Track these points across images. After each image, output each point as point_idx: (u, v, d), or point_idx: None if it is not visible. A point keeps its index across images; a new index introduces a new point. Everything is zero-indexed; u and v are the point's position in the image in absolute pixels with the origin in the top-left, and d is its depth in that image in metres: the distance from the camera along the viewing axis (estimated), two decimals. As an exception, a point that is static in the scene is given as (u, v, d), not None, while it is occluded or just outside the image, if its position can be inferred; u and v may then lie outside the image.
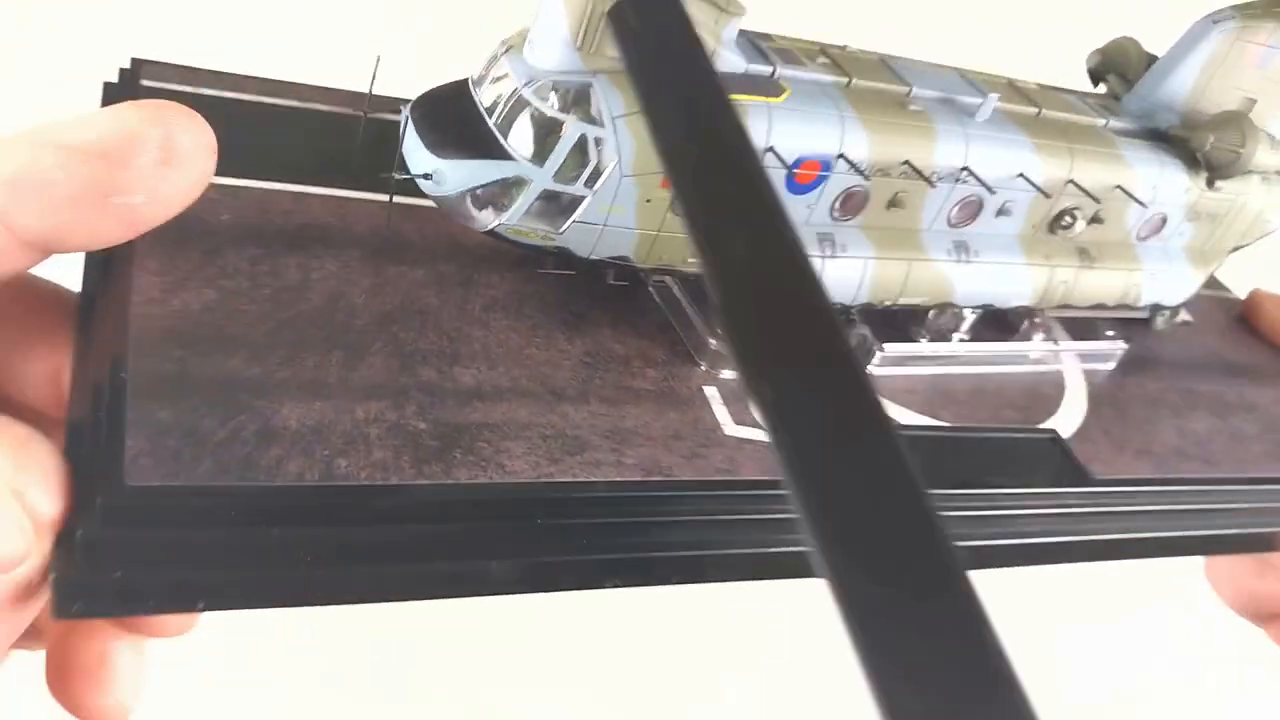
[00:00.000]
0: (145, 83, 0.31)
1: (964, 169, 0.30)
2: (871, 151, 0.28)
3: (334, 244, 0.28)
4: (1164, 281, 0.37)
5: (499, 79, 0.26)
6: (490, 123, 0.26)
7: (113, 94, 0.31)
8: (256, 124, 0.32)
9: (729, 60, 0.27)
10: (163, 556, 0.20)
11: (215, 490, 0.20)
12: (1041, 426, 0.33)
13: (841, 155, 0.28)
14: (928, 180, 0.29)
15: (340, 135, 0.32)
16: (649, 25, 0.19)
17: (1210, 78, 0.35)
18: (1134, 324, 0.40)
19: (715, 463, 0.26)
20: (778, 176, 0.27)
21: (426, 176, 0.26)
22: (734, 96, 0.25)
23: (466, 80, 0.28)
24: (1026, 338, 0.36)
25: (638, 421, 0.27)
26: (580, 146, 0.25)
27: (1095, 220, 0.34)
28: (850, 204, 0.29)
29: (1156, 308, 0.39)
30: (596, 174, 0.25)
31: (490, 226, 0.26)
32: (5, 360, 0.23)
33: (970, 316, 0.34)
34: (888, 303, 0.32)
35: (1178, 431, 0.36)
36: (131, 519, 0.20)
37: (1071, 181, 0.32)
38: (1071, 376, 0.37)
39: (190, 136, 0.20)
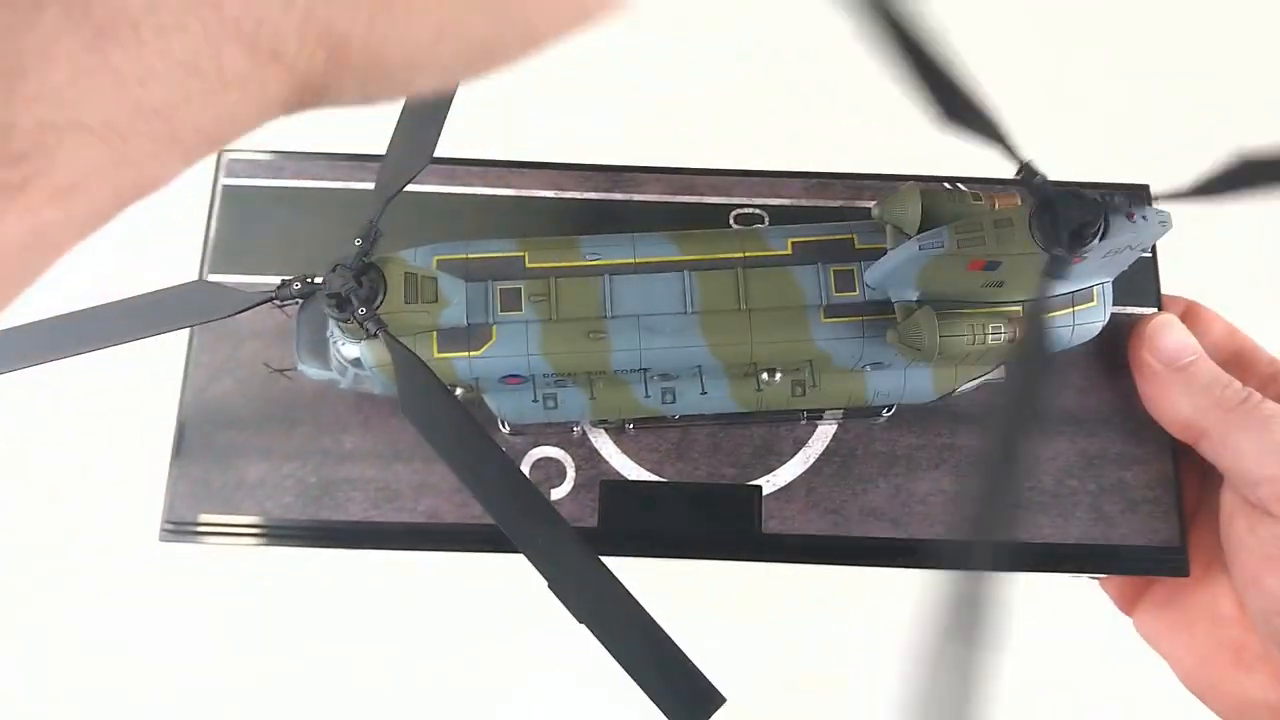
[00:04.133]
0: (225, 182, 0.51)
1: (642, 371, 0.42)
2: (557, 368, 0.42)
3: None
4: (898, 395, 0.45)
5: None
6: (329, 347, 0.43)
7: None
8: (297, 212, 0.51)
9: (452, 318, 0.41)
10: (192, 539, 0.47)
11: (208, 521, 0.46)
12: (751, 483, 0.47)
13: (532, 376, 0.42)
14: (610, 374, 0.42)
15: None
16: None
17: (927, 282, 0.40)
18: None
19: (474, 511, 0.47)
20: (493, 383, 0.42)
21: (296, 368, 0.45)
22: (445, 354, 0.41)
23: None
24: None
25: (439, 477, 0.47)
26: (357, 364, 0.42)
27: (798, 370, 0.43)
28: (559, 381, 0.43)
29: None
30: (365, 377, 0.43)
31: (340, 386, 0.45)
32: None
33: None
34: (613, 418, 0.46)
35: (892, 491, 0.47)
36: (177, 530, 0.47)
37: (752, 362, 0.42)
38: (824, 430, 0.48)
39: None
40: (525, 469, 0.47)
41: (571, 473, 0.48)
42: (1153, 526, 0.47)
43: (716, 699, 0.33)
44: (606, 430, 0.48)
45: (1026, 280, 0.40)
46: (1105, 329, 0.44)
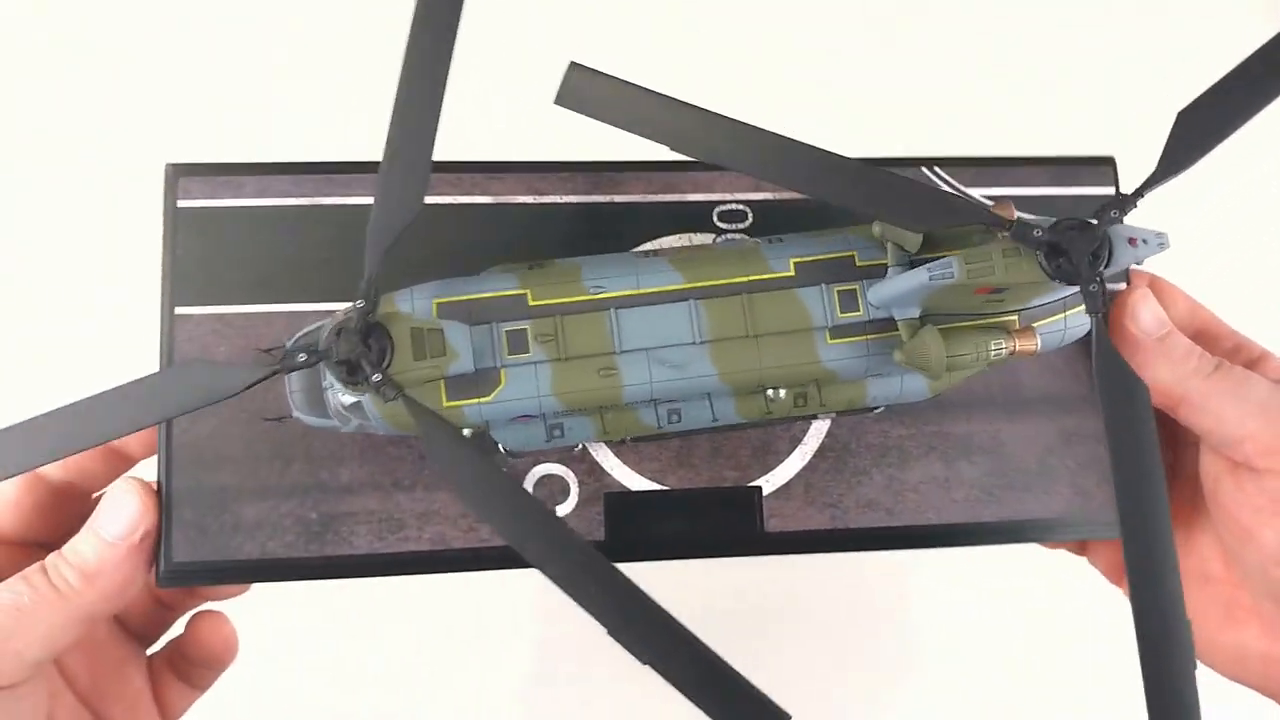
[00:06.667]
0: (181, 204, 0.47)
1: (652, 400, 0.42)
2: (569, 406, 0.41)
3: None
4: (895, 397, 0.46)
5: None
6: (324, 394, 0.42)
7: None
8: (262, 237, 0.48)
9: (462, 366, 0.40)
10: (192, 581, 0.46)
11: (207, 562, 0.45)
12: (751, 484, 0.48)
13: (543, 414, 0.41)
14: (622, 407, 0.42)
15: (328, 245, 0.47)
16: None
17: (932, 302, 0.41)
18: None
19: (481, 534, 0.47)
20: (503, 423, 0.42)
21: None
22: (454, 403, 0.40)
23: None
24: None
25: (442, 504, 0.47)
26: (358, 412, 0.41)
27: (802, 385, 0.44)
28: (568, 413, 0.43)
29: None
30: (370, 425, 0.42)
31: (340, 430, 0.44)
32: None
33: None
34: (619, 439, 0.46)
35: (886, 481, 0.49)
36: (173, 576, 0.45)
37: (761, 385, 0.42)
38: (818, 426, 0.49)
39: None
40: (528, 487, 0.47)
41: (575, 488, 0.48)
42: None
43: (781, 715, 0.35)
44: (607, 444, 0.48)
45: (1026, 294, 0.41)
46: None
